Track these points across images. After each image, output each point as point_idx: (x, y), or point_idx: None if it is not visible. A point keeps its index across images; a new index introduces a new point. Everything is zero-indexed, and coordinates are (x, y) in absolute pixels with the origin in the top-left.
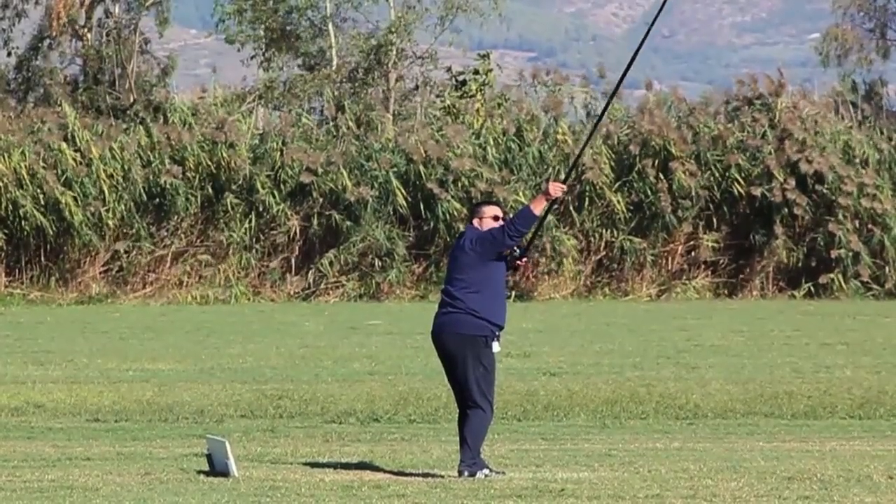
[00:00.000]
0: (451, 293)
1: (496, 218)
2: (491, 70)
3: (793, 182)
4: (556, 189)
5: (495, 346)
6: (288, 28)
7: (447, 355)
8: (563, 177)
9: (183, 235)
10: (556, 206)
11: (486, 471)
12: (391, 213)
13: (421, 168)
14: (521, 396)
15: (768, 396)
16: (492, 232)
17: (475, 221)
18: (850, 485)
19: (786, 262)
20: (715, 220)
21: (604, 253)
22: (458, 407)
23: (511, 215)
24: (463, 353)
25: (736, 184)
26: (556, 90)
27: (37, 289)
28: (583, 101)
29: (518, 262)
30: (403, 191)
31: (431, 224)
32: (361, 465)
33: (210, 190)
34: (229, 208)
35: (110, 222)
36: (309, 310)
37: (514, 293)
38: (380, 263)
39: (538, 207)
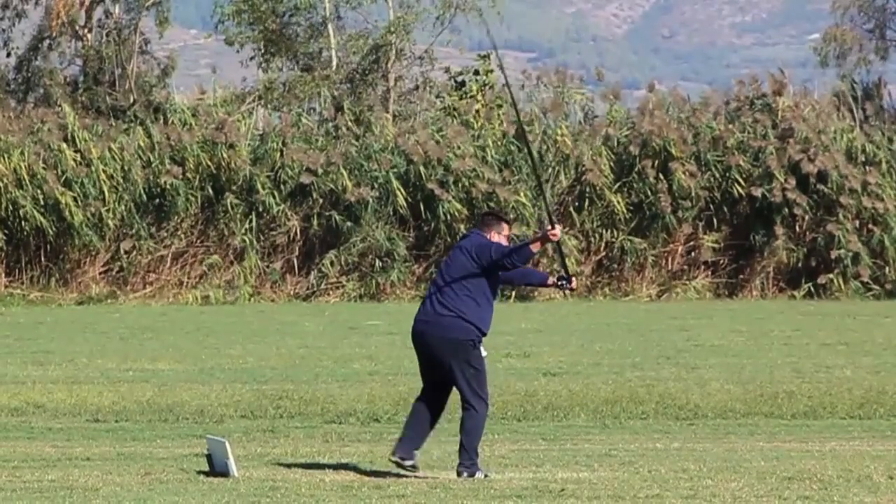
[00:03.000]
0: (443, 293)
1: (508, 239)
2: (491, 71)
3: (793, 182)
4: (555, 236)
5: (483, 351)
6: (285, 30)
7: (432, 359)
8: (555, 217)
9: (183, 236)
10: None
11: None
12: (391, 213)
13: (421, 168)
14: (520, 396)
15: (768, 396)
16: (494, 248)
17: (488, 233)
18: (850, 485)
19: (786, 263)
20: (715, 221)
21: (604, 253)
22: (423, 394)
23: (514, 243)
24: (449, 360)
25: (736, 184)
26: (563, 91)
27: (37, 289)
28: (581, 103)
29: (570, 287)
30: (403, 191)
31: (432, 225)
32: (361, 466)
33: (210, 190)
34: (229, 209)
35: (110, 223)
36: (309, 310)
37: (514, 293)
38: (380, 264)
39: (536, 248)
